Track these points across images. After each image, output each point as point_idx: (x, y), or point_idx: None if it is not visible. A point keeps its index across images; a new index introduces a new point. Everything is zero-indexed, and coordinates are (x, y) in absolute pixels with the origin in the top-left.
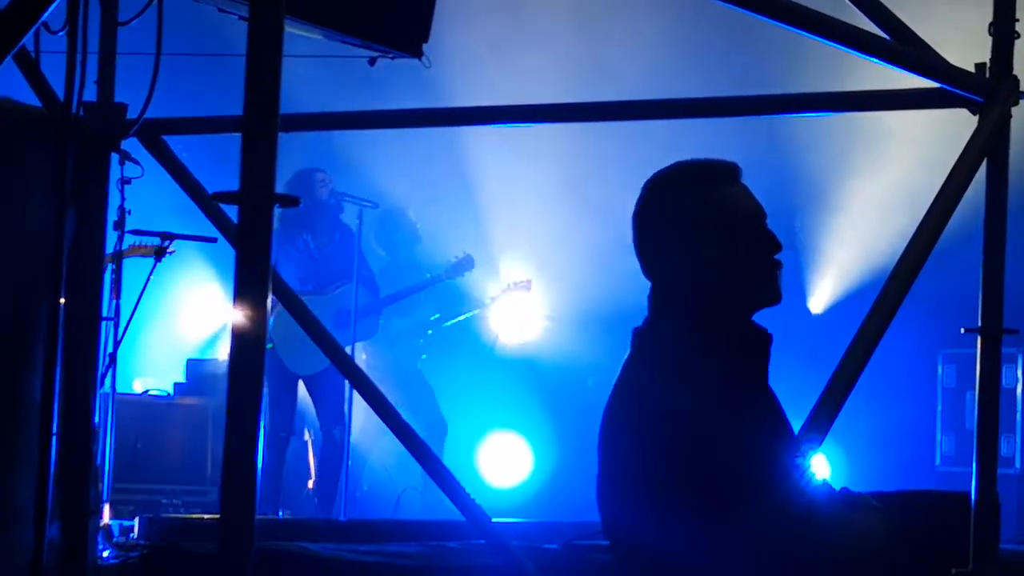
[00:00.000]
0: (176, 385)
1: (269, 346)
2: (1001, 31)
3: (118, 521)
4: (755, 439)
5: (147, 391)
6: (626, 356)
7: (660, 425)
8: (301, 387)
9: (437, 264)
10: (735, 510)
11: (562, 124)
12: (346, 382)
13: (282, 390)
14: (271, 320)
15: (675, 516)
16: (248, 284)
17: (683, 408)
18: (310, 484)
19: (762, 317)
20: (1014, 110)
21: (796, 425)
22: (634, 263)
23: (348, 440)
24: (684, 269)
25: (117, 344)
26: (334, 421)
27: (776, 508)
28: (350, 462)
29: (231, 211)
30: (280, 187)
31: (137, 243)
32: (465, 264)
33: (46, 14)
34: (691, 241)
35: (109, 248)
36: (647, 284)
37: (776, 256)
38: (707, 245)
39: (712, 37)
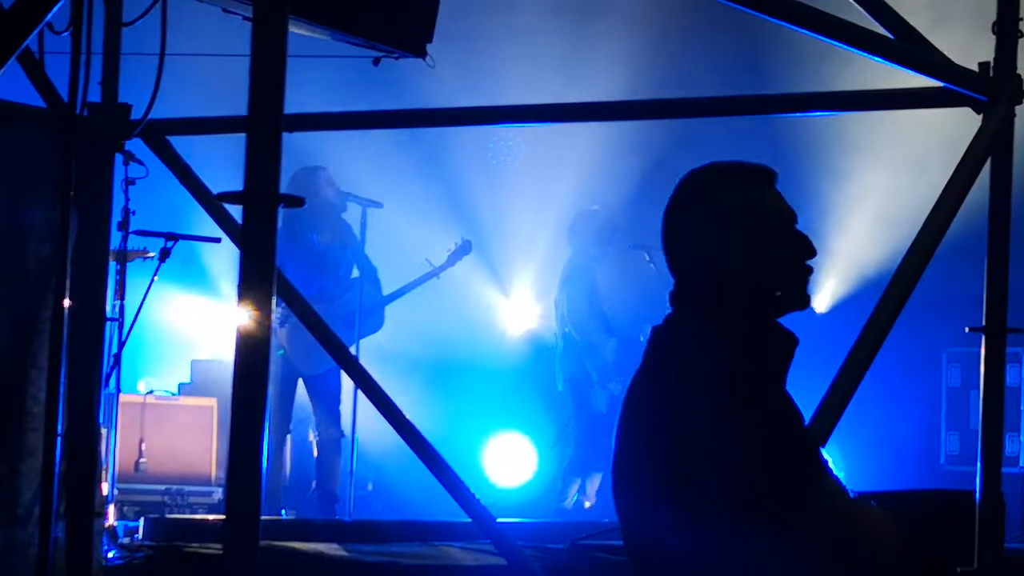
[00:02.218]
0: (181, 385)
1: (280, 352)
2: (1004, 30)
3: (123, 522)
4: (778, 438)
5: (152, 391)
6: (644, 351)
7: (680, 424)
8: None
9: (435, 254)
10: (770, 513)
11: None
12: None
13: (284, 389)
14: (286, 329)
15: (701, 522)
16: (252, 284)
17: (704, 407)
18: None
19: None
20: (1017, 109)
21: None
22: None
23: (354, 440)
24: (711, 267)
25: (121, 344)
26: (331, 421)
27: (817, 508)
28: (355, 464)
29: (235, 211)
30: (283, 184)
31: (139, 248)
32: (464, 249)
33: (50, 15)
34: (720, 239)
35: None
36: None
37: (808, 262)
38: (736, 244)
39: (711, 35)
